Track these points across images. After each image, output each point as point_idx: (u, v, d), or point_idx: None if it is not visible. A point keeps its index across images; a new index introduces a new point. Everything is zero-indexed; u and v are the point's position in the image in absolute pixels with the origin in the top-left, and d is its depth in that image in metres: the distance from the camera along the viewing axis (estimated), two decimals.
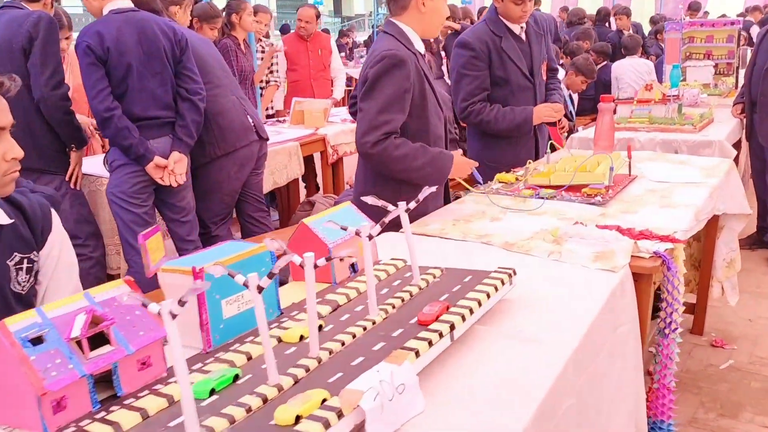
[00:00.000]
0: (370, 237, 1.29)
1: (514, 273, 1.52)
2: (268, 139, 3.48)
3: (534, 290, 1.58)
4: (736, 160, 4.25)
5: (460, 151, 2.61)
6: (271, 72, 5.32)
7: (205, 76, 3.13)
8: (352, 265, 1.61)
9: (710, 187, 2.53)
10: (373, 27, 26.89)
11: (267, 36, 8.50)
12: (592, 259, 1.78)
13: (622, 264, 1.74)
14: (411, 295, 1.43)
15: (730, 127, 4.00)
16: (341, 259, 1.55)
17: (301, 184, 4.85)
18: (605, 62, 7.44)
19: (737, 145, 4.39)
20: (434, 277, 1.53)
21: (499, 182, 2.68)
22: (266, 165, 3.57)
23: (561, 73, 4.97)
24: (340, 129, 4.48)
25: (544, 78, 3.19)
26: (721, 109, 4.60)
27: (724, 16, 17.59)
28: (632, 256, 1.81)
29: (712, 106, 4.21)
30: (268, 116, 5.35)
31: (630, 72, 6.66)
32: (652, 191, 2.50)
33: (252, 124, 3.30)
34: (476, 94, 3.00)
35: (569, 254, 1.83)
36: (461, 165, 2.35)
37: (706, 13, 20.17)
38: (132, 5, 2.90)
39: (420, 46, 2.34)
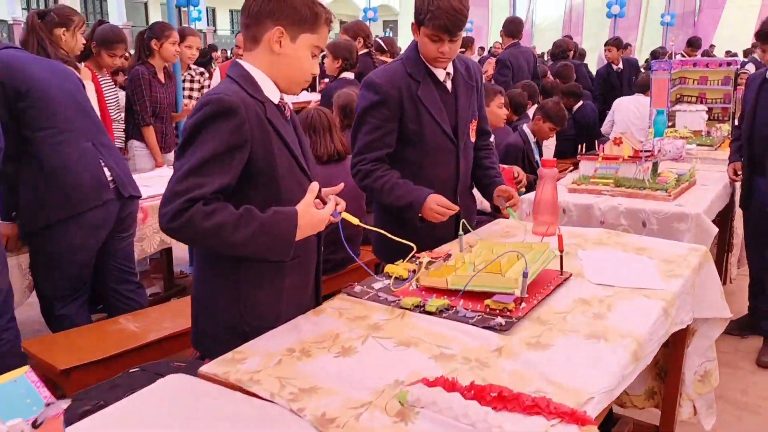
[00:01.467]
0: None
1: None
2: (138, 197, 2.83)
3: None
4: (721, 235, 3.58)
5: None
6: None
7: (46, 120, 2.50)
8: None
9: (665, 300, 1.85)
10: None
11: (213, 58, 7.85)
12: None
13: None
14: None
15: (714, 192, 3.32)
16: None
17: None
18: (581, 103, 6.81)
19: (725, 213, 3.71)
20: None
21: (388, 276, 2.01)
22: (140, 226, 2.91)
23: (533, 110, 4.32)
24: None
25: (473, 140, 2.52)
26: (710, 166, 3.93)
27: (729, 53, 17.03)
28: None
29: (694, 168, 3.52)
30: None
31: (632, 111, 6.02)
32: (585, 303, 1.82)
33: (109, 180, 2.65)
34: (373, 149, 2.34)
35: None
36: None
37: (713, 46, 19.61)
38: None
39: (273, 93, 1.71)
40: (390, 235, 1.91)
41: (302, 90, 1.84)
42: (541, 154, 4.50)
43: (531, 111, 5.42)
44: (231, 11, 32.29)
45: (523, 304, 1.74)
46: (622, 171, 3.29)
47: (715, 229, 2.87)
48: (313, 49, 1.68)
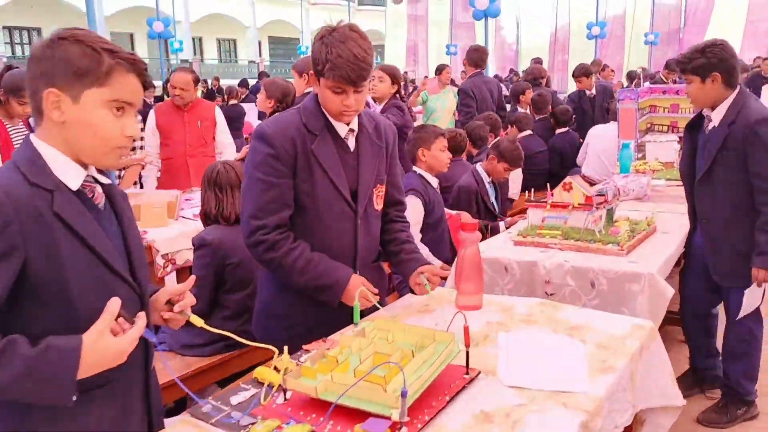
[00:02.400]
0: None
1: None
2: None
3: None
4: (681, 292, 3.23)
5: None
6: (133, 149, 4.37)
7: None
8: None
9: (587, 411, 1.50)
10: None
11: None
12: None
13: None
14: None
15: (676, 242, 2.98)
16: None
17: None
18: (566, 129, 6.51)
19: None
20: None
21: (259, 380, 1.67)
22: None
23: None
24: (185, 229, 3.50)
25: (378, 208, 2.17)
26: (676, 206, 3.58)
27: None
28: None
29: (652, 216, 3.19)
30: None
31: (606, 141, 5.60)
32: (486, 419, 1.47)
33: None
34: (272, 211, 1.99)
35: None
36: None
37: None
38: None
39: (72, 175, 1.34)
40: (241, 339, 1.58)
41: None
42: (498, 194, 4.17)
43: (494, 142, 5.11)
44: (218, 40, 32.23)
45: (404, 429, 1.39)
46: (572, 221, 2.96)
47: (671, 291, 2.52)
48: (111, 105, 1.32)
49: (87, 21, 6.08)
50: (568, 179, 3.06)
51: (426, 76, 11.93)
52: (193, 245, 2.65)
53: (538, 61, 10.87)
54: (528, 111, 6.85)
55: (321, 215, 2.04)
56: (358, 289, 1.94)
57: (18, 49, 24.37)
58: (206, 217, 2.71)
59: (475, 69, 5.76)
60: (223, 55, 32.44)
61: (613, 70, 11.78)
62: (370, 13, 36.43)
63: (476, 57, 5.77)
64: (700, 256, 3.02)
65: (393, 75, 4.48)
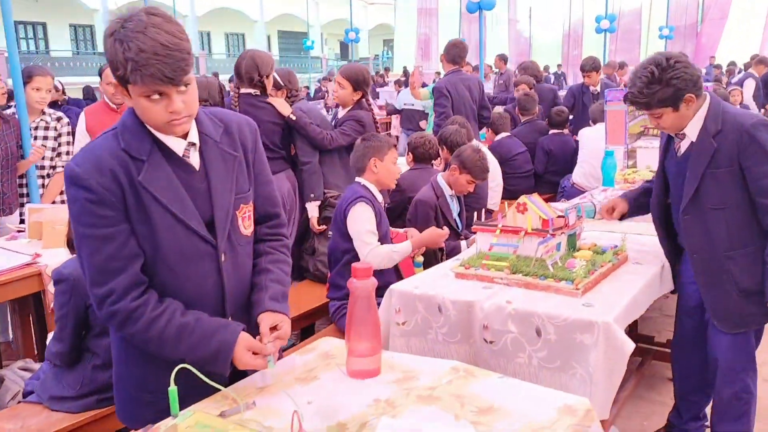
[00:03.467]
0: None
1: None
2: None
3: None
4: (643, 353, 2.74)
5: None
6: (59, 154, 3.95)
7: None
8: None
9: None
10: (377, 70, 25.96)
11: (62, 103, 7.10)
12: None
13: None
14: None
15: (647, 276, 2.49)
16: None
17: None
18: (560, 131, 5.98)
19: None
20: None
21: None
22: None
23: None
24: None
25: (247, 232, 1.72)
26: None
27: (732, 64, 16.14)
28: None
29: (623, 243, 2.69)
30: None
31: (597, 143, 5.01)
32: None
33: None
34: (118, 271, 1.53)
35: None
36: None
37: (712, 58, 18.69)
38: None
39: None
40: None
41: None
42: (461, 208, 3.69)
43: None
44: (226, 34, 31.88)
45: None
46: (523, 249, 2.48)
47: (632, 346, 2.03)
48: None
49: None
50: (522, 198, 2.59)
51: (418, 69, 11.25)
52: (52, 279, 2.22)
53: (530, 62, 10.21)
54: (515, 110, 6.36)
55: (169, 262, 1.58)
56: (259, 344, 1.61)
57: (23, 44, 24.19)
58: (70, 245, 2.28)
59: (453, 65, 5.26)
60: (231, 50, 32.07)
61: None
62: (382, 7, 35.86)
63: (454, 53, 5.27)
64: (694, 292, 2.52)
65: (355, 81, 3.94)
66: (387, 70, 19.89)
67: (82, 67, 23.22)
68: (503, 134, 5.49)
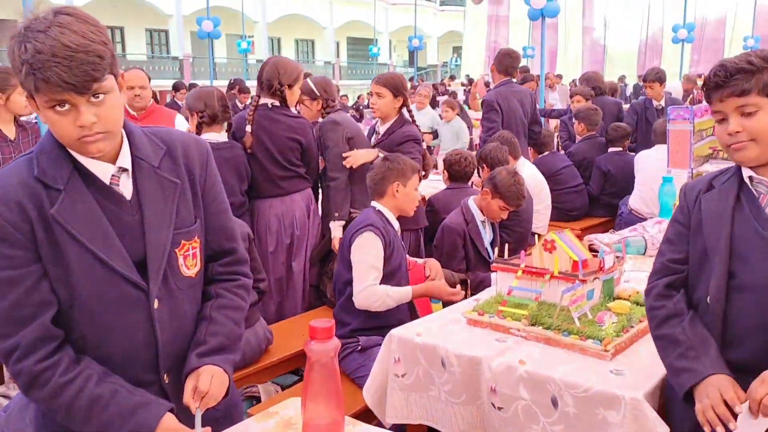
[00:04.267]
0: None
1: None
2: None
3: None
4: None
5: None
6: None
7: None
8: None
9: None
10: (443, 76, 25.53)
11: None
12: None
13: None
14: None
15: None
16: None
17: None
18: (619, 148, 5.49)
19: None
20: None
21: None
22: None
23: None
24: None
25: (191, 272, 1.44)
26: None
27: None
28: None
29: None
30: None
31: (656, 168, 4.50)
32: None
33: None
34: (21, 323, 1.27)
35: None
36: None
37: None
38: None
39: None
40: None
41: None
42: (495, 235, 3.33)
43: (514, 166, 4.26)
44: (296, 41, 32.23)
45: None
46: (546, 295, 2.12)
47: (665, 430, 1.65)
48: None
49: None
50: (551, 235, 2.23)
51: (483, 79, 10.65)
52: None
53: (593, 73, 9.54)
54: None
55: (90, 311, 1.34)
56: None
57: None
58: None
59: (505, 76, 4.89)
60: (300, 56, 32.41)
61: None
62: (452, 14, 35.48)
63: (507, 63, 4.89)
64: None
65: (393, 86, 3.55)
66: (452, 78, 19.47)
67: (157, 70, 23.97)
68: (545, 153, 5.09)
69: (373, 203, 2.75)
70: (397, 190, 2.68)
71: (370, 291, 2.47)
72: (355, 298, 2.50)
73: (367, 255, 2.50)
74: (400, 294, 2.55)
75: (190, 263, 1.44)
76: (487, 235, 3.26)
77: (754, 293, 1.50)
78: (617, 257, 2.28)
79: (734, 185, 1.58)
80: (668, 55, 21.39)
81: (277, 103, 3.35)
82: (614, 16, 25.13)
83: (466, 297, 2.96)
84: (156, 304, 1.38)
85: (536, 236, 4.38)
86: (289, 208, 3.39)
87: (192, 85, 9.85)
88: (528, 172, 4.31)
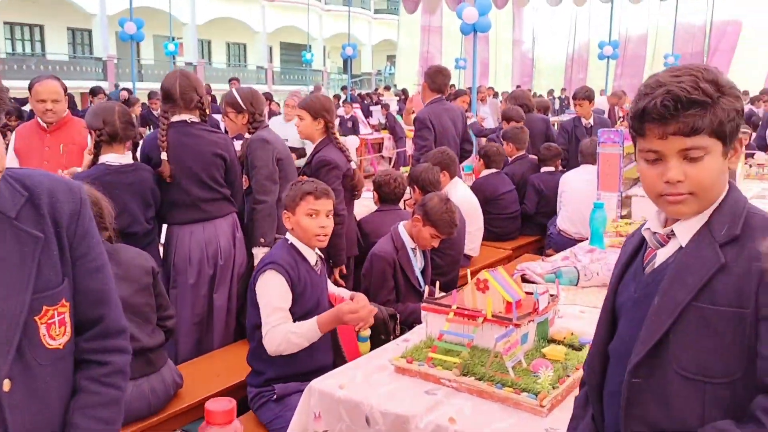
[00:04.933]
0: None
1: None
2: None
3: None
4: None
5: None
6: None
7: None
8: None
9: None
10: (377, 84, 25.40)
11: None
12: None
13: None
14: None
15: None
16: None
17: None
18: (551, 168, 5.46)
19: None
20: None
21: None
22: None
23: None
24: None
25: (56, 344, 1.20)
26: None
27: (746, 93, 15.67)
28: None
29: None
30: None
31: (581, 190, 4.46)
32: None
33: None
34: None
35: None
36: None
37: None
38: None
39: None
40: None
41: None
42: (426, 263, 3.19)
43: (448, 185, 4.15)
44: (228, 44, 31.52)
45: None
46: (479, 339, 1.99)
47: None
48: None
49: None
50: (484, 274, 2.09)
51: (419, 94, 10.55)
52: None
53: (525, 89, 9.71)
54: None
55: None
56: None
57: (19, 45, 23.83)
58: None
59: (437, 94, 4.79)
60: (232, 59, 31.71)
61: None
62: (387, 23, 35.55)
63: (439, 81, 4.78)
64: None
65: (312, 109, 3.43)
66: (387, 88, 19.29)
67: (79, 71, 22.88)
68: (493, 170, 4.99)
69: (287, 234, 2.52)
70: (288, 219, 2.46)
71: (270, 335, 2.24)
72: (265, 345, 2.29)
73: (268, 296, 2.28)
74: (304, 328, 2.27)
75: (55, 333, 1.21)
76: (417, 263, 3.11)
77: (618, 359, 1.27)
78: (552, 296, 2.16)
79: (639, 235, 1.33)
80: (593, 69, 22.07)
81: (195, 119, 3.11)
82: (542, 31, 25.76)
83: (395, 333, 2.80)
84: (6, 386, 1.14)
85: (469, 258, 4.35)
86: (212, 234, 3.11)
87: (116, 87, 9.32)
88: (461, 193, 4.20)
